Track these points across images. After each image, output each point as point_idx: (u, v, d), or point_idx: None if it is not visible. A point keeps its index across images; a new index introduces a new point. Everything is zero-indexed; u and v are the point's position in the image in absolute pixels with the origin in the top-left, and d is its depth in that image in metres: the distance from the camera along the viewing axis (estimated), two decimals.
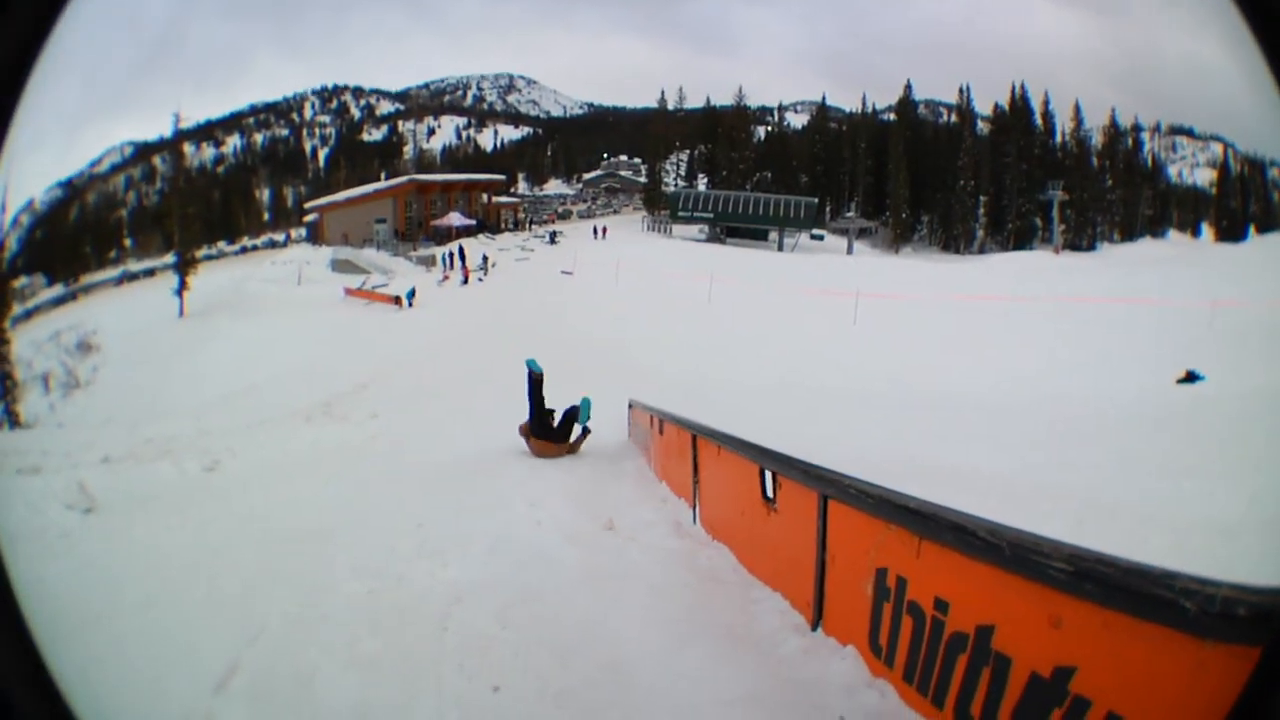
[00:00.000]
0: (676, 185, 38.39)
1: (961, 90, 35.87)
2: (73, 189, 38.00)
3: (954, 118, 36.79)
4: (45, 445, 13.64)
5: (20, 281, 33.30)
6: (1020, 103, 35.35)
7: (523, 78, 48.43)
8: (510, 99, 48.00)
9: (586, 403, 10.15)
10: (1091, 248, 34.30)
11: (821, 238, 33.80)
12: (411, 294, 24.58)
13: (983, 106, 36.10)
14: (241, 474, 11.33)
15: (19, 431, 21.72)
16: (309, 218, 35.30)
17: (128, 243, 37.41)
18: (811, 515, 3.42)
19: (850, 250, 33.87)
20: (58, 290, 35.09)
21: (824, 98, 39.78)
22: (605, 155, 45.08)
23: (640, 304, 23.46)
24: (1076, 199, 34.38)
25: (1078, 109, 34.97)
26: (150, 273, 34.61)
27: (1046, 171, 34.60)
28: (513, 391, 11.19)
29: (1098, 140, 35.31)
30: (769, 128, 40.92)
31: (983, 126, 36.17)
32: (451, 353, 20.01)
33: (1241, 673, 1.30)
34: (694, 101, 39.26)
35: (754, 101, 39.62)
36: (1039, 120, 35.48)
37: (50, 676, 1.98)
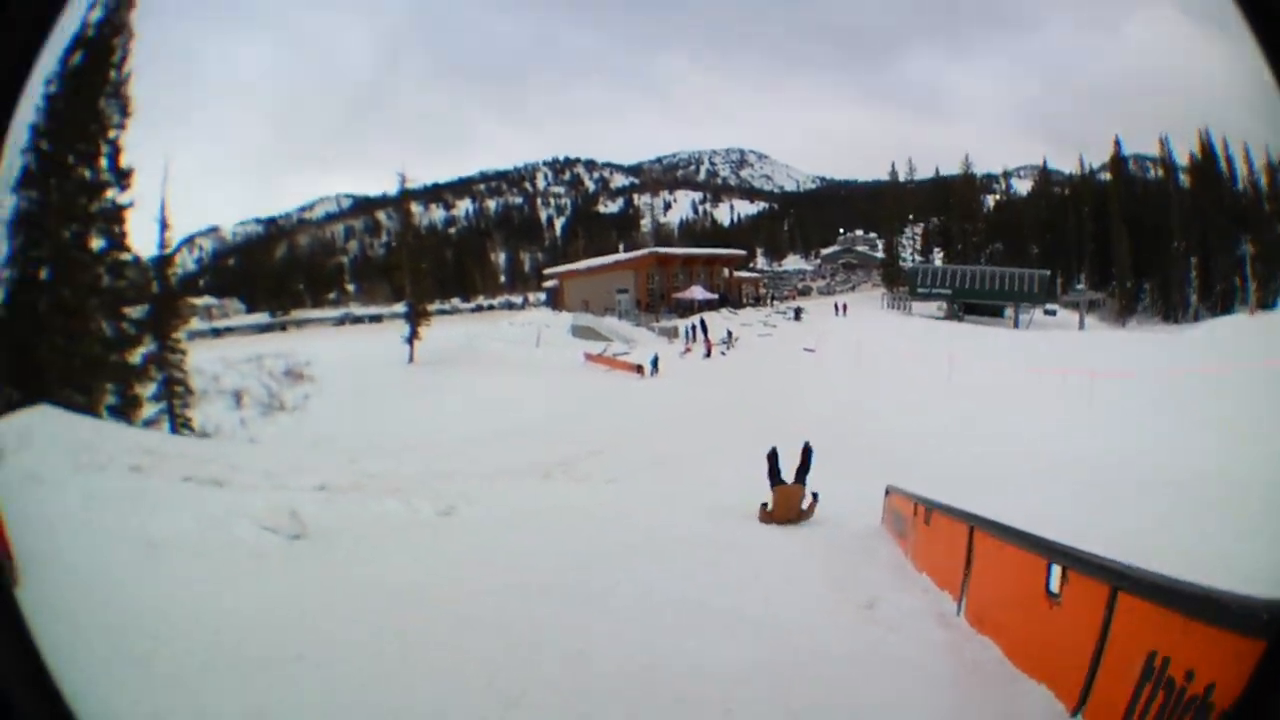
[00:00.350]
0: (913, 260, 37.70)
1: (1162, 141, 32.90)
2: (277, 228, 42.46)
3: (1159, 171, 33.99)
4: (233, 459, 13.95)
5: (203, 300, 37.54)
6: (1207, 150, 31.96)
7: (754, 152, 49.60)
8: (743, 174, 49.19)
9: (808, 448, 10.37)
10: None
11: (1054, 312, 32.16)
12: (655, 362, 24.85)
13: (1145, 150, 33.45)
14: (479, 521, 11.11)
15: (187, 438, 22.38)
16: (549, 283, 37.10)
17: (350, 288, 41.23)
18: (1099, 607, 3.58)
19: (1082, 325, 31.86)
20: (259, 318, 38.88)
21: (1045, 162, 38.05)
22: (841, 230, 44.93)
23: (882, 384, 22.82)
24: (1262, 252, 30.60)
25: (1246, 151, 30.97)
26: (376, 319, 37.70)
27: (1235, 224, 31.15)
28: (752, 468, 11.16)
29: (1264, 182, 31.06)
30: (997, 196, 39.55)
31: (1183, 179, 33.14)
32: (691, 424, 19.94)
33: None
34: (923, 171, 38.53)
35: (980, 168, 38.34)
36: (1223, 166, 31.87)
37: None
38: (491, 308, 39.45)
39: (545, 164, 44.23)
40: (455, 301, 39.07)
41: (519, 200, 44.01)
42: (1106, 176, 35.32)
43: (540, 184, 44.56)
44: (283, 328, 38.06)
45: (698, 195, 47.34)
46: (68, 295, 21.96)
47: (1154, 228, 33.13)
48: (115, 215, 23.31)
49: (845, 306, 34.16)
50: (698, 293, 31.83)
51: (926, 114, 48.87)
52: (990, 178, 39.34)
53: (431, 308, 32.97)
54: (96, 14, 23.54)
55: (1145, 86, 33.50)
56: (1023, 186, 39.47)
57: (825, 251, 44.89)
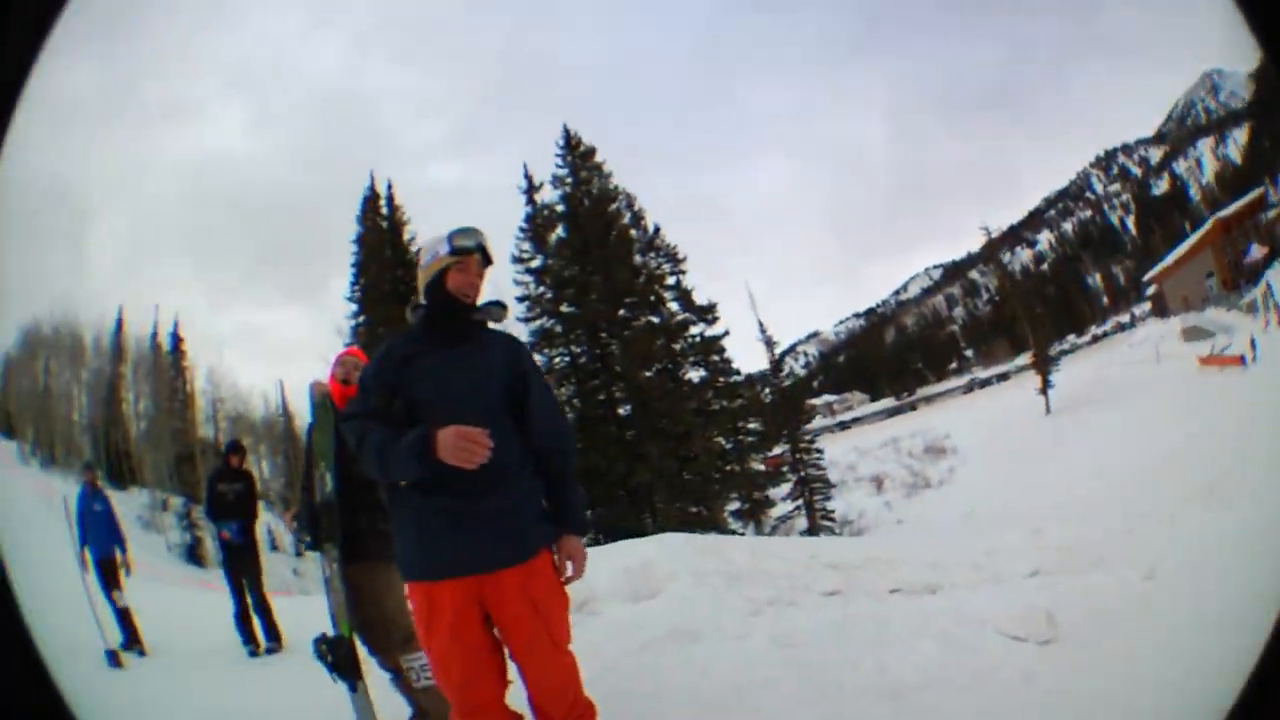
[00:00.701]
0: None
1: None
2: (878, 316, 44.14)
3: None
4: (903, 553, 11.00)
5: (823, 399, 39.82)
6: None
7: (1215, 72, 37.25)
8: (1222, 98, 37.15)
9: None
10: None
11: None
12: (1256, 345, 21.06)
13: None
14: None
15: (843, 539, 20.55)
16: (1149, 291, 33.63)
17: (968, 353, 41.55)
18: None
19: None
20: (885, 403, 40.62)
21: None
22: None
23: None
24: None
25: None
26: (1003, 377, 37.34)
27: None
28: None
29: None
30: None
31: None
32: None
33: None
34: None
35: None
36: None
37: None
38: (1105, 334, 36.60)
39: (1092, 165, 40.41)
40: (1071, 338, 37.61)
41: (1087, 213, 40.77)
42: None
43: (1098, 188, 40.58)
44: (912, 407, 39.64)
45: (1209, 140, 36.40)
46: (667, 425, 23.52)
47: None
48: (711, 347, 25.72)
49: None
50: (1255, 251, 25.15)
51: None
52: None
53: (1054, 350, 32.11)
54: (561, 191, 26.25)
55: None
56: None
57: None
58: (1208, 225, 28.23)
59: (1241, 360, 21.81)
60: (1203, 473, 16.92)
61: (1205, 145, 36.76)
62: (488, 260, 2.96)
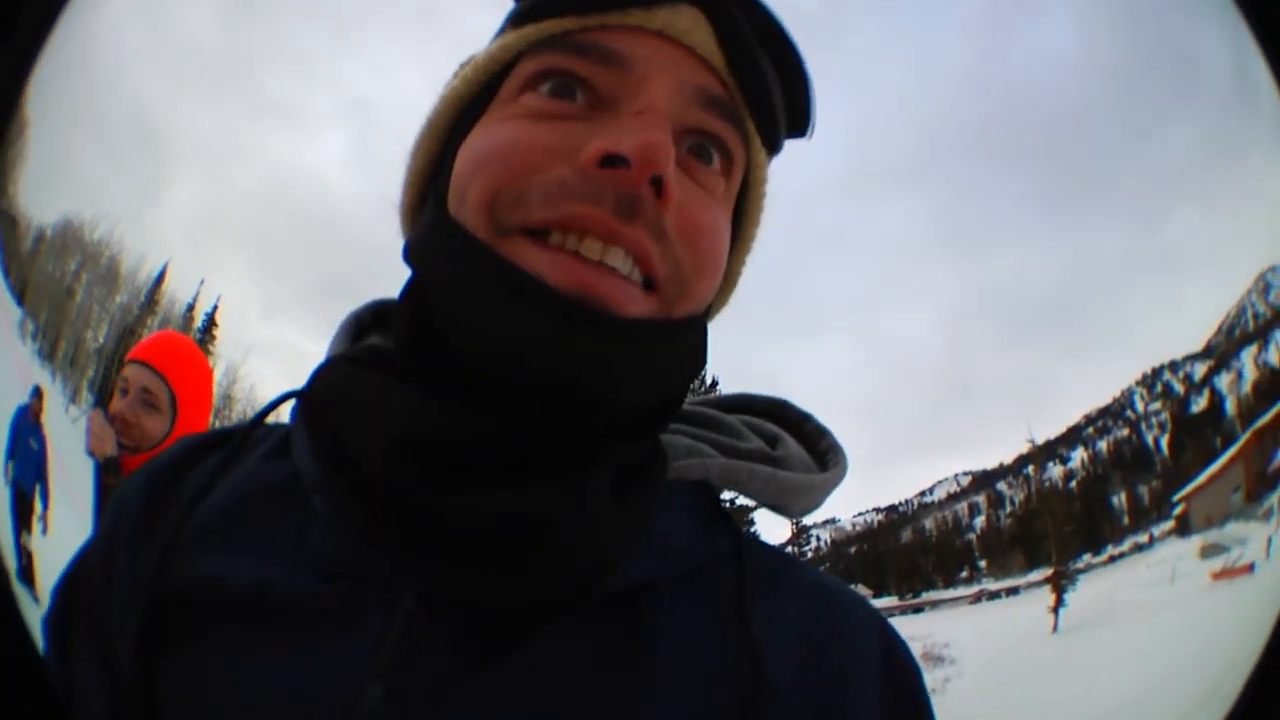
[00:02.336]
0: None
1: None
2: (898, 514, 44.29)
3: None
4: None
5: None
6: None
7: (1270, 270, 38.25)
8: (1272, 298, 37.78)
9: None
10: None
11: None
12: (1271, 545, 20.16)
13: None
14: None
15: None
16: (1178, 511, 32.90)
17: (982, 563, 40.66)
18: None
19: None
20: (888, 601, 39.37)
21: None
22: None
23: None
24: None
25: None
26: (1014, 591, 36.27)
27: None
28: None
29: None
30: None
31: None
32: None
33: None
34: None
35: None
36: None
37: None
38: (1123, 555, 35.05)
39: (1137, 383, 40.39)
40: (1088, 557, 36.06)
41: (1124, 431, 40.28)
42: None
43: (1139, 406, 40.42)
44: (916, 610, 38.85)
45: (1254, 348, 36.56)
46: None
47: None
48: (742, 515, 28.07)
49: None
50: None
51: None
52: None
53: (1069, 568, 31.61)
54: None
55: None
56: None
57: None
58: (1244, 438, 27.82)
59: (1251, 567, 21.57)
60: (1205, 679, 16.17)
61: (1248, 354, 36.44)
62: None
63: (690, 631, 0.57)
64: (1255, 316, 37.93)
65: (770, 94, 0.63)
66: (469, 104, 0.65)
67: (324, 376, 0.64)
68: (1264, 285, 38.95)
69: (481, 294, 0.55)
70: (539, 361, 0.53)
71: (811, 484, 0.70)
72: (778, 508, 0.70)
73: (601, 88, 0.58)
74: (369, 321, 0.76)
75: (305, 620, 0.54)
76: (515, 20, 0.62)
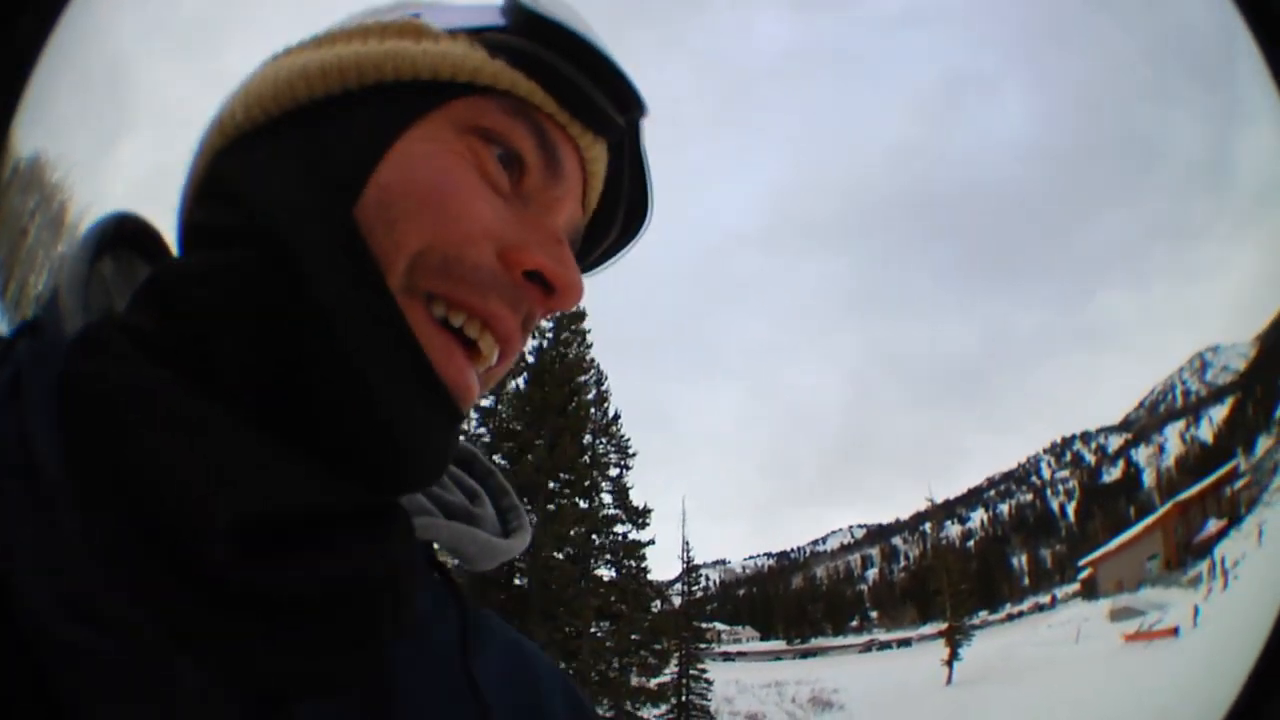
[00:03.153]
0: None
1: None
2: (789, 560, 44.98)
3: None
4: None
5: (713, 625, 37.97)
6: None
7: (1209, 349, 42.27)
8: (1208, 377, 41.51)
9: None
10: None
11: None
12: (1199, 614, 21.04)
13: None
14: None
15: None
16: (1084, 575, 34.09)
17: (873, 614, 41.48)
18: None
19: None
20: (775, 645, 39.80)
21: None
22: None
23: None
24: None
25: None
26: (905, 643, 37.01)
27: None
28: None
29: None
30: None
31: None
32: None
33: None
34: None
35: None
36: None
37: None
38: (1021, 614, 36.41)
39: (1045, 451, 42.48)
40: (984, 614, 37.18)
41: (1028, 497, 42.17)
42: None
43: (1045, 473, 42.48)
44: (803, 655, 39.09)
45: (1181, 424, 39.96)
46: (563, 615, 22.51)
47: None
48: (633, 550, 24.05)
49: None
50: (1211, 527, 26.69)
51: None
52: None
53: (967, 623, 31.54)
54: (537, 342, 24.78)
55: None
56: None
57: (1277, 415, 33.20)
58: (1165, 509, 29.05)
59: (1175, 631, 21.83)
60: None
61: (1174, 430, 39.03)
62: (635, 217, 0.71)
63: (428, 686, 0.58)
64: (1185, 394, 41.08)
65: (607, 239, 0.67)
66: (410, 78, 0.57)
67: (100, 362, 0.48)
68: (1200, 364, 42.41)
69: (392, 373, 0.51)
70: (408, 443, 0.51)
71: (508, 549, 0.69)
72: (464, 559, 0.67)
73: (532, 182, 0.58)
74: (108, 242, 0.59)
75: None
76: (509, 48, 0.57)
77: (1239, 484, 28.36)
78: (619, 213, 0.65)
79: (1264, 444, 33.55)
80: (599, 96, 0.58)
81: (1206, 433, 37.31)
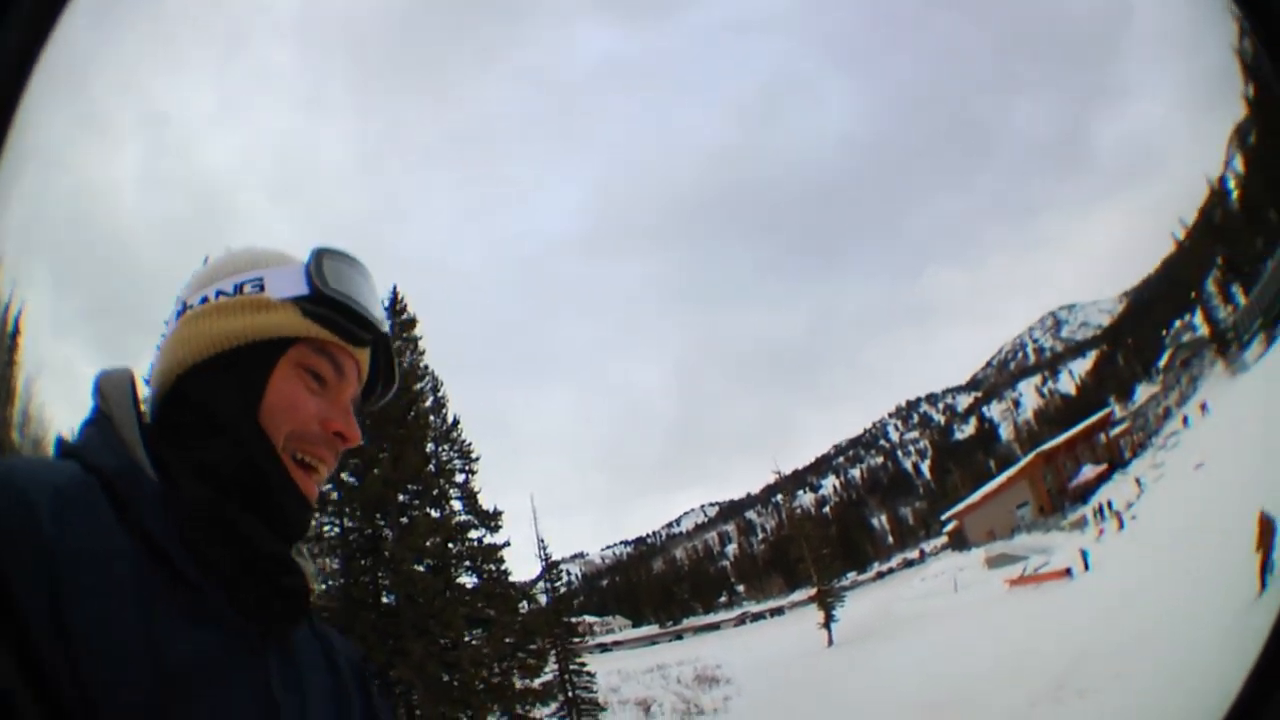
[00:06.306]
0: (1228, 316, 30.69)
1: None
2: (647, 546, 45.82)
3: None
4: None
5: (584, 618, 37.92)
6: None
7: (1064, 308, 47.73)
8: (1063, 334, 46.99)
9: None
10: None
11: None
12: (1087, 556, 22.31)
13: None
14: None
15: None
16: (948, 527, 36.16)
17: (739, 587, 42.75)
18: None
19: None
20: (648, 630, 40.39)
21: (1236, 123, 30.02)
22: (1163, 333, 39.23)
23: None
24: None
25: None
26: (778, 611, 38.16)
27: None
28: None
29: None
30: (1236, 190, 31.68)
31: None
32: (1151, 601, 17.14)
33: None
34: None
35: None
36: None
37: None
38: (890, 571, 38.66)
39: (890, 415, 45.47)
40: (852, 575, 39.02)
41: (879, 459, 44.94)
42: None
43: (894, 436, 45.45)
44: (679, 636, 39.46)
45: (1036, 379, 44.87)
46: (434, 627, 22.49)
47: None
48: (490, 554, 24.19)
49: (1204, 404, 27.74)
50: (1088, 472, 29.30)
51: (1152, 165, 44.89)
52: (1223, 180, 31.70)
53: (837, 586, 32.35)
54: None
55: None
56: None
57: (1160, 363, 38.30)
58: (1029, 459, 31.41)
59: (1067, 573, 22.83)
60: (1040, 676, 17.11)
61: (1029, 385, 42.91)
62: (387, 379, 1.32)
63: (310, 651, 1.13)
64: (1039, 351, 45.38)
65: (375, 395, 1.26)
66: (266, 338, 1.10)
67: (214, 505, 1.03)
68: (1054, 323, 47.04)
69: (284, 490, 1.08)
70: (295, 519, 1.10)
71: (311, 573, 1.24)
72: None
73: (330, 383, 1.13)
74: (132, 398, 1.11)
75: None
76: (311, 312, 1.12)
77: (1117, 430, 32.01)
78: (378, 382, 1.23)
79: (1145, 391, 38.21)
80: (357, 331, 1.14)
81: (1068, 386, 41.79)
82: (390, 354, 1.23)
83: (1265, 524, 10.41)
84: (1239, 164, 33.47)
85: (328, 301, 1.12)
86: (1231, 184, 33.05)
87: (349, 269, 1.16)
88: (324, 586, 22.61)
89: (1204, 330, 33.59)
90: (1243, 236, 30.73)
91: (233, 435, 1.06)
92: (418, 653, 21.44)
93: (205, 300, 1.12)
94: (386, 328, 1.19)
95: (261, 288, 1.12)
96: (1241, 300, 29.29)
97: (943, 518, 37.47)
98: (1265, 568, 10.59)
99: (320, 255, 1.15)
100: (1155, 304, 40.28)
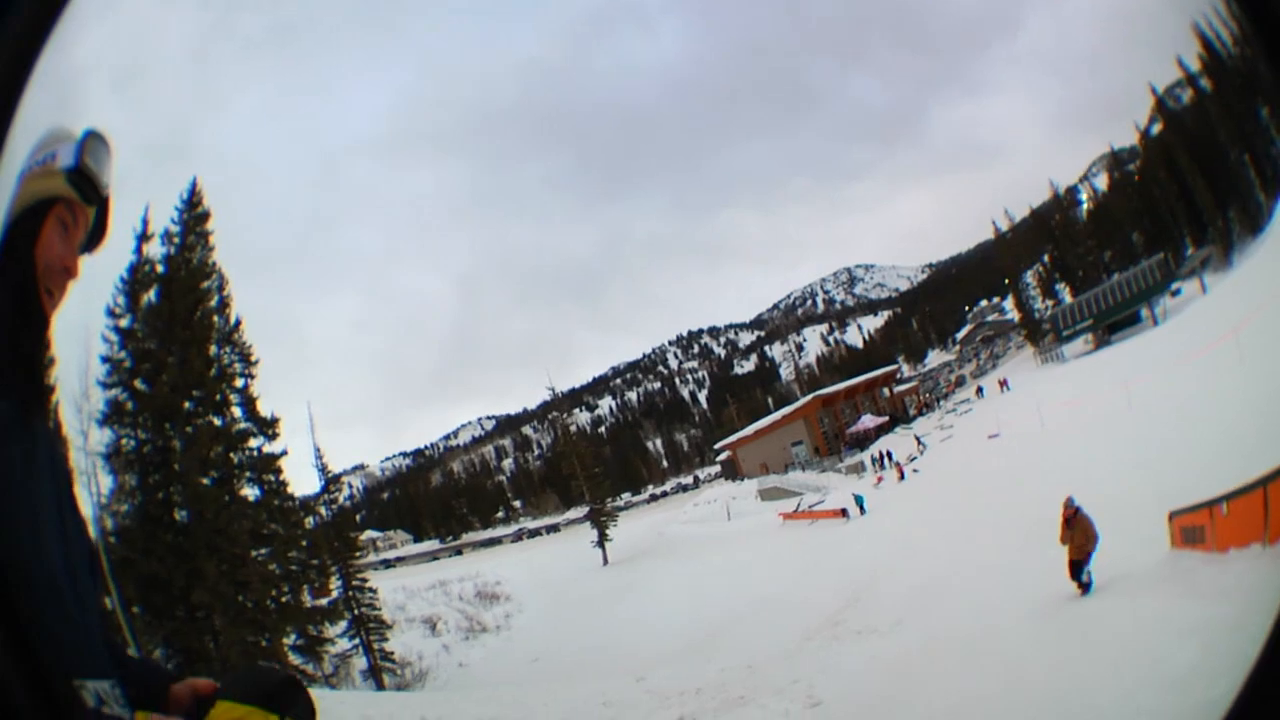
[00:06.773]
0: (1045, 306, 36.14)
1: (1178, 61, 28.90)
2: (425, 458, 45.21)
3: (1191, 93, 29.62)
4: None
5: (367, 534, 37.87)
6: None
7: (861, 266, 51.22)
8: (857, 290, 50.54)
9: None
10: None
11: (1179, 292, 28.50)
12: (861, 501, 24.04)
13: None
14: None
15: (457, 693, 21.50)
16: (721, 456, 37.79)
17: (516, 504, 43.13)
18: None
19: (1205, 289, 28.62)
20: (429, 545, 40.34)
21: (1111, 147, 34.83)
22: (967, 308, 44.23)
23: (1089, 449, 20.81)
24: None
25: None
26: (554, 529, 38.91)
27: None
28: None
29: None
30: (1087, 204, 38.06)
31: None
32: (933, 549, 18.59)
33: None
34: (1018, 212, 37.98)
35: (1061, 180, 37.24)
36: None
37: None
38: (665, 494, 40.33)
39: (671, 343, 46.61)
40: (627, 496, 40.21)
41: (657, 385, 46.11)
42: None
43: (674, 364, 46.70)
44: (458, 552, 39.32)
45: (823, 327, 48.46)
46: (223, 544, 22.17)
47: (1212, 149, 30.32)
48: (270, 465, 23.74)
49: (1004, 381, 32.25)
50: (868, 421, 31.92)
51: (988, 159, 50.77)
52: (1074, 190, 37.20)
53: (609, 506, 33.32)
54: (166, 250, 24.32)
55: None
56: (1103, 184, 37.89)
57: (960, 335, 43.11)
58: (806, 400, 33.30)
59: (843, 513, 24.45)
60: (815, 613, 18.47)
61: (815, 331, 45.33)
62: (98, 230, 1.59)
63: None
64: (829, 302, 47.50)
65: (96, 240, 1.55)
66: (46, 196, 1.49)
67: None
68: (849, 278, 49.17)
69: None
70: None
71: None
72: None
73: (73, 227, 1.49)
74: None
75: None
76: (68, 178, 1.46)
77: (903, 388, 34.58)
78: (99, 229, 1.50)
79: (938, 358, 41.46)
80: (88, 190, 1.44)
81: (856, 340, 44.57)
82: (108, 208, 1.53)
83: (1077, 519, 11.28)
84: (1102, 182, 38.13)
85: (74, 171, 1.45)
86: (1084, 195, 37.30)
87: (98, 142, 1.50)
88: (125, 508, 21.55)
89: (1014, 315, 37.75)
90: (1084, 244, 34.66)
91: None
92: (211, 572, 21.38)
93: (32, 167, 1.44)
94: (109, 192, 1.52)
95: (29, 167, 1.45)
96: (1068, 298, 33.34)
97: (716, 446, 39.20)
98: (1074, 570, 11.43)
99: (85, 139, 1.47)
100: (963, 281, 44.78)
